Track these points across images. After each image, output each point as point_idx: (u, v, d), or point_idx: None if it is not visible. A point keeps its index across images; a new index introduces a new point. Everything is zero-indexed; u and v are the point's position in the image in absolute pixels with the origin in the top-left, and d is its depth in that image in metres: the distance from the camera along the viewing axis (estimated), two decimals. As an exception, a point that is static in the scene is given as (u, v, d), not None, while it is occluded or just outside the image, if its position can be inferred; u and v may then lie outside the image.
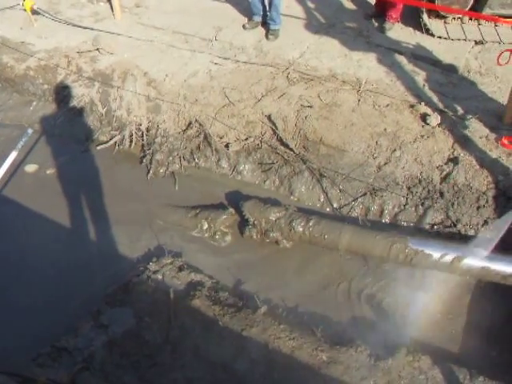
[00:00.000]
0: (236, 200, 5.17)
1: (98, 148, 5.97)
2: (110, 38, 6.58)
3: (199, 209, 5.15)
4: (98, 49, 6.40)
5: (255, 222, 4.83)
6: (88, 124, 6.16)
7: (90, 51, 6.45)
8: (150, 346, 3.99)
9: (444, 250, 4.31)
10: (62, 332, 4.11)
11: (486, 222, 4.72)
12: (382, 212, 5.01)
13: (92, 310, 4.31)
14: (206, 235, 5.03)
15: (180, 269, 4.61)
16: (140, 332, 4.09)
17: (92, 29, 6.77)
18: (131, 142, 5.93)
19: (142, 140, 5.89)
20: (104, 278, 4.65)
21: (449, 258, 4.25)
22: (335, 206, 5.18)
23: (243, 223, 4.95)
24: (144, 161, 5.76)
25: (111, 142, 5.97)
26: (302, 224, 4.68)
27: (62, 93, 6.32)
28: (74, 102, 6.20)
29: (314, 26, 6.69)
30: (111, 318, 4.22)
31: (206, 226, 5.04)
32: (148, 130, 5.90)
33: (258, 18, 6.68)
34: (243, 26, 6.72)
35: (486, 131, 5.14)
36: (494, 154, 4.91)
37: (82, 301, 4.45)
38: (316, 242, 4.69)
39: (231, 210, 5.07)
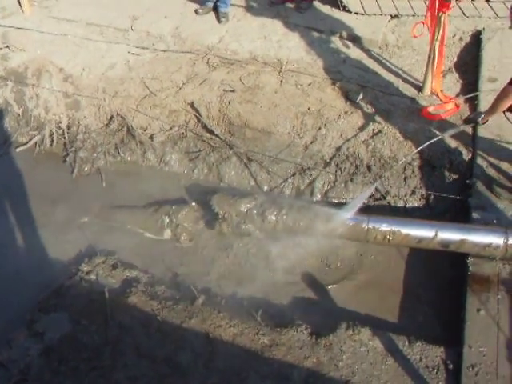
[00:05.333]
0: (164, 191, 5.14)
1: (18, 150, 5.73)
2: (20, 34, 6.30)
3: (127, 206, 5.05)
4: (7, 46, 6.12)
5: (225, 216, 4.63)
6: (4, 126, 5.89)
7: (-1, 49, 6.17)
8: (89, 349, 3.86)
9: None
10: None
11: (413, 192, 4.83)
12: (312, 190, 5.03)
13: (25, 318, 4.14)
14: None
15: (114, 267, 4.48)
16: (77, 336, 3.95)
17: (-1, 25, 6.47)
18: (52, 141, 5.73)
19: (64, 138, 5.70)
20: (35, 284, 4.46)
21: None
22: (266, 188, 5.16)
23: (211, 217, 4.75)
24: (67, 159, 5.57)
25: (31, 142, 5.75)
26: (275, 213, 4.51)
27: (-27, 95, 6.02)
28: (-12, 105, 5.92)
29: (231, 10, 6.61)
30: (46, 325, 4.06)
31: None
32: (69, 127, 5.71)
33: (210, 4, 6.56)
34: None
35: (408, 103, 5.25)
36: (416, 125, 5.02)
37: (14, 311, 4.26)
38: (291, 231, 4.57)
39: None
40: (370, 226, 4.29)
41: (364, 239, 4.38)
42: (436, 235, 4.13)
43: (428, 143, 4.40)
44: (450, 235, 4.13)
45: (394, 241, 4.28)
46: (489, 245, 4.01)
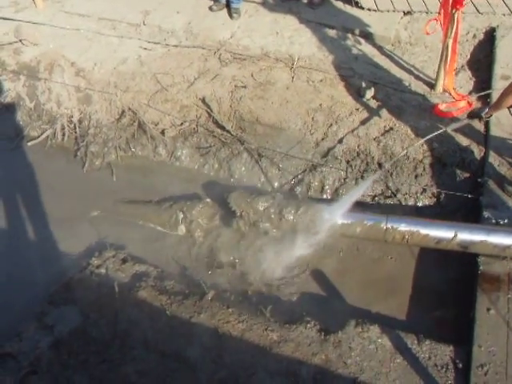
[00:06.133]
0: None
1: (29, 144, 5.77)
2: (33, 28, 6.34)
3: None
4: (20, 40, 6.14)
5: (242, 214, 4.59)
6: (16, 120, 5.93)
7: (12, 43, 6.19)
8: (98, 343, 3.88)
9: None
10: (5, 337, 3.95)
11: (424, 190, 4.80)
12: (322, 187, 5.01)
13: (35, 311, 4.16)
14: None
15: (124, 261, 4.50)
16: (87, 329, 3.97)
17: (13, 19, 6.48)
18: (64, 135, 5.75)
19: (75, 132, 5.72)
20: (46, 277, 4.50)
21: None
22: (276, 184, 5.16)
23: (229, 215, 4.72)
24: (78, 153, 5.60)
25: (43, 136, 5.78)
26: (293, 212, 4.47)
27: (-14, 89, 6.06)
28: (0, 98, 5.94)
29: (243, 5, 6.60)
30: (56, 318, 4.08)
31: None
32: (80, 121, 5.73)
33: (224, 0, 6.56)
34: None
35: (419, 100, 5.22)
36: (428, 122, 4.98)
37: (25, 303, 4.29)
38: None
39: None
40: (389, 225, 4.25)
41: (382, 239, 4.34)
42: (455, 236, 4.08)
43: (430, 136, 4.37)
44: (469, 236, 4.07)
45: (412, 241, 4.24)
46: (509, 246, 3.97)
